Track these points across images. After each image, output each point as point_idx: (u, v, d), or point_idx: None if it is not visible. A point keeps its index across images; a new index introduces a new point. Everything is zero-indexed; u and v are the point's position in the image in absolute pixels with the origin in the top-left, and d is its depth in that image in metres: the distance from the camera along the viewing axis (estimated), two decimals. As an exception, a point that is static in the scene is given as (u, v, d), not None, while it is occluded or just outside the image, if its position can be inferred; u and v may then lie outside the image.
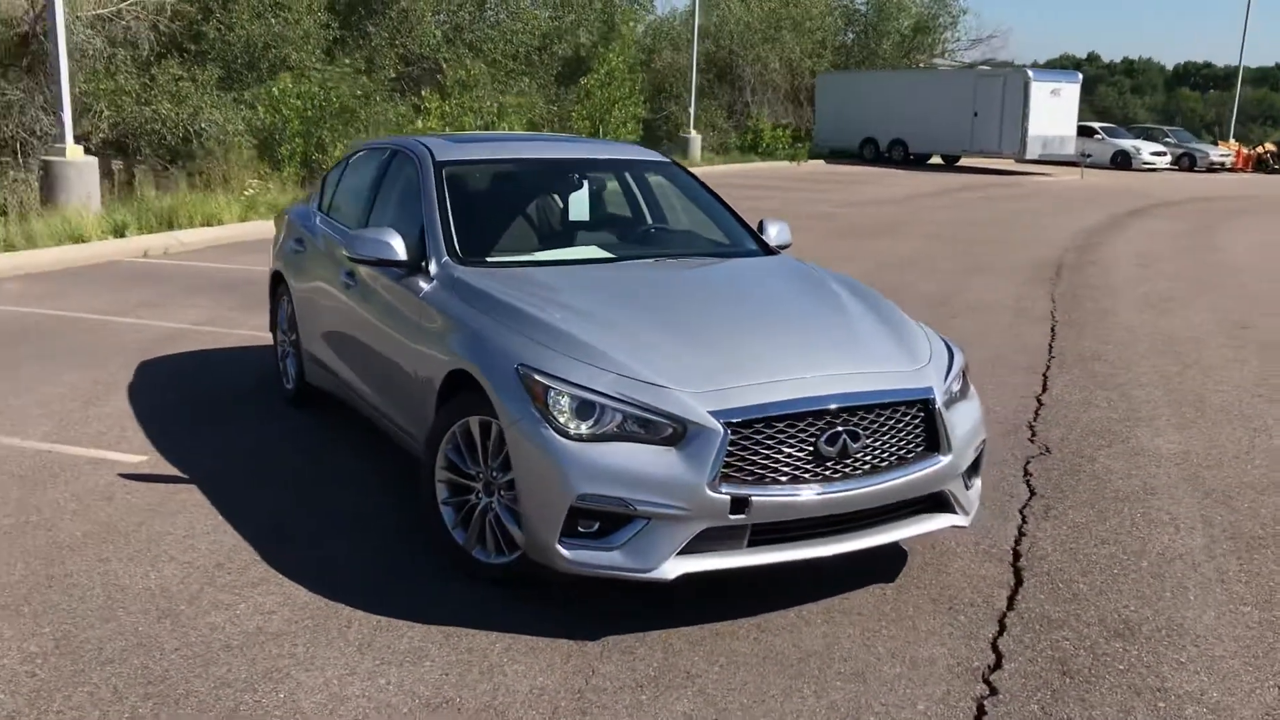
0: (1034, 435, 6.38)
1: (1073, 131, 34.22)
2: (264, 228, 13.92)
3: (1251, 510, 5.25)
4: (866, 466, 3.96)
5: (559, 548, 3.81)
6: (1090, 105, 79.10)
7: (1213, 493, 5.48)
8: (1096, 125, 39.17)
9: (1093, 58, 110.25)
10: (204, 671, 3.57)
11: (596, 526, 3.79)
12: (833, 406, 3.88)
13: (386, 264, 4.93)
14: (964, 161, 36.60)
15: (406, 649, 3.74)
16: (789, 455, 3.83)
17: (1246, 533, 4.96)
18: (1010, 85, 32.88)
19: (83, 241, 12.78)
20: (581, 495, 3.73)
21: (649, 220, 5.93)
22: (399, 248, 4.88)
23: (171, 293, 10.53)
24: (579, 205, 5.79)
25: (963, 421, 4.28)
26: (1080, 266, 13.68)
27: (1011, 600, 4.23)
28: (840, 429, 3.88)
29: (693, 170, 23.95)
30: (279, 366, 6.93)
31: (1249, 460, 6.01)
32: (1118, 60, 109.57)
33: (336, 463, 5.67)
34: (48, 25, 25.33)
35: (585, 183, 5.85)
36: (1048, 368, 8.10)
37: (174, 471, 5.49)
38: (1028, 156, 33.11)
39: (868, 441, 3.95)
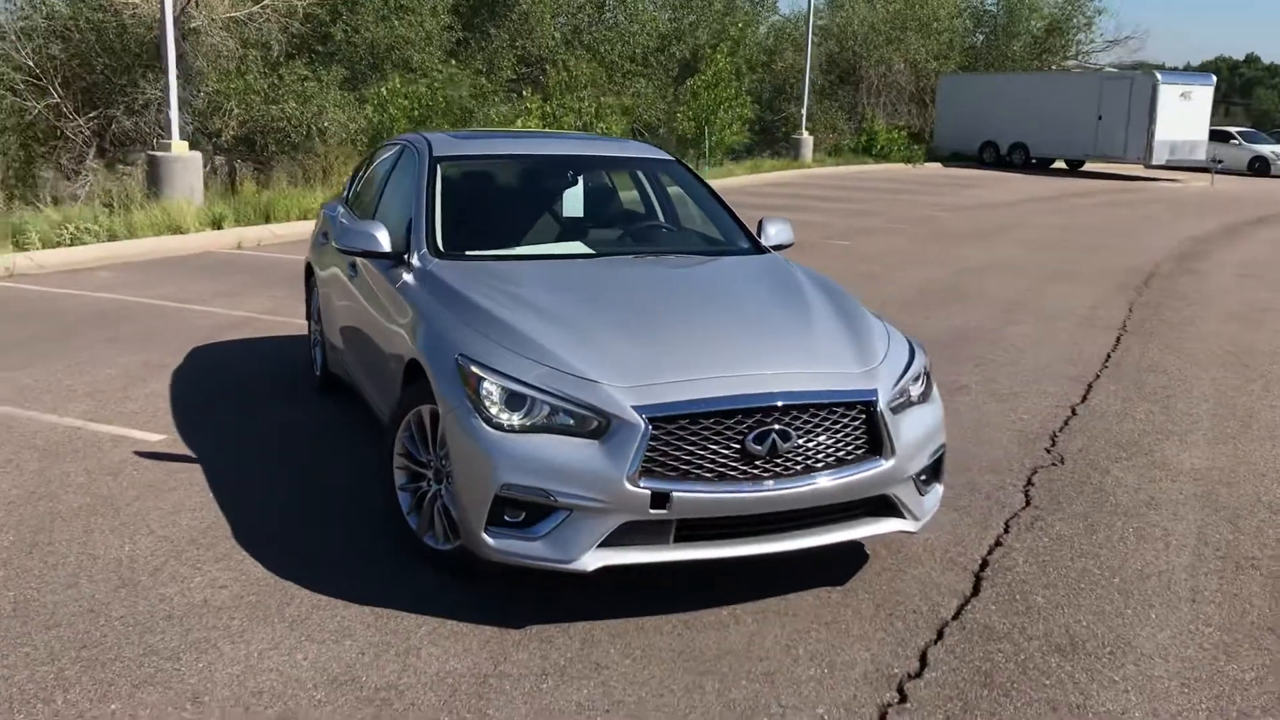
0: (1053, 445, 6.19)
1: (1204, 136, 32.77)
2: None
3: (1256, 530, 5.01)
4: (799, 466, 3.91)
5: (485, 536, 3.87)
6: (1247, 110, 75.74)
7: (1221, 510, 5.24)
8: (1233, 130, 37.48)
9: (1251, 59, 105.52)
10: (138, 639, 3.74)
11: (523, 516, 3.84)
12: (762, 405, 3.85)
13: (371, 255, 5.08)
14: (1089, 167, 35.42)
15: (334, 628, 3.85)
16: (715, 452, 3.82)
17: (1240, 553, 4.74)
18: (1137, 88, 31.67)
19: (181, 233, 13.37)
20: (505, 485, 3.79)
21: (648, 218, 5.94)
22: (383, 240, 5.02)
23: (250, 282, 10.96)
24: (573, 201, 5.85)
25: (914, 425, 4.20)
26: (1175, 275, 13.15)
27: (960, 610, 4.14)
28: (770, 428, 3.85)
29: (802, 171, 23.80)
30: (310, 354, 7.17)
31: (1276, 480, 5.72)
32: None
33: (347, 449, 5.84)
34: (185, 28, 26.58)
35: (580, 179, 5.91)
36: (1096, 377, 7.83)
37: (187, 451, 5.73)
38: (1154, 162, 31.85)
39: (800, 441, 3.90)
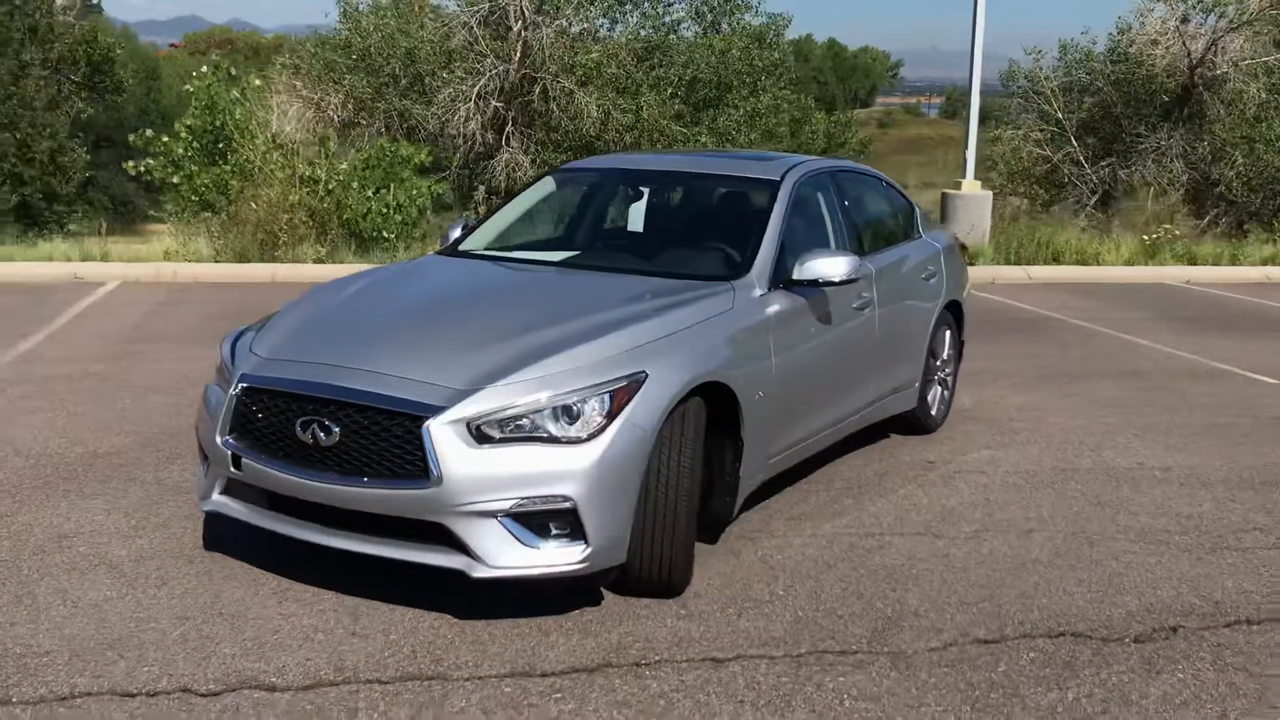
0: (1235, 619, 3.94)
1: None
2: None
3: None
4: (351, 465, 3.78)
5: (200, 469, 4.45)
6: None
7: None
8: None
9: None
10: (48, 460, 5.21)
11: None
12: (312, 395, 3.86)
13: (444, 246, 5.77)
14: None
15: (126, 509, 4.79)
16: (279, 431, 3.93)
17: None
18: None
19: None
20: (196, 428, 4.46)
21: (703, 238, 5.30)
22: (452, 235, 5.73)
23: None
24: (635, 216, 5.79)
25: (509, 459, 3.69)
26: None
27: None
28: (314, 418, 3.83)
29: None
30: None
31: None
32: None
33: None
34: (1207, 76, 25.53)
35: (645, 194, 5.78)
36: None
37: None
38: None
39: (344, 440, 3.78)
